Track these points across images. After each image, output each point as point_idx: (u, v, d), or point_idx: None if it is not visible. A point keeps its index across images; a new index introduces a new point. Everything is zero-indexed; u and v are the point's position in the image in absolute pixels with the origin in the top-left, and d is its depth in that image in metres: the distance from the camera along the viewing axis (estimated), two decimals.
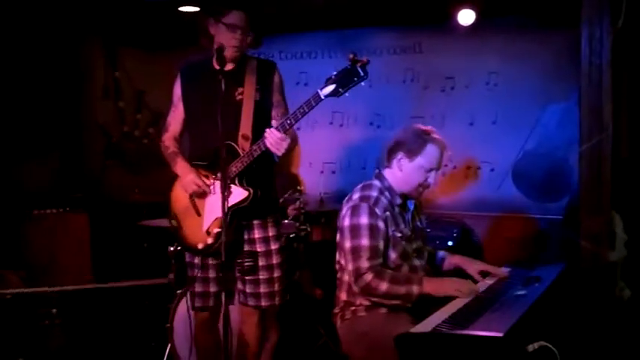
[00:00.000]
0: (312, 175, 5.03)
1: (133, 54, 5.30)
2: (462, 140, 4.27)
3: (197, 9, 4.60)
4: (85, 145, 4.97)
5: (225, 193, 2.54)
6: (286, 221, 4.17)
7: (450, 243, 4.45)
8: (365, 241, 2.61)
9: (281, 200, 4.20)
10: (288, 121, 2.69)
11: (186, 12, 4.70)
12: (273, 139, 2.71)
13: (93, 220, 4.43)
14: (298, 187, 4.27)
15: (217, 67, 2.78)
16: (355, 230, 2.63)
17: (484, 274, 2.86)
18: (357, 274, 2.60)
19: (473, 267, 2.89)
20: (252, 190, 2.83)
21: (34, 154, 4.56)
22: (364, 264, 2.59)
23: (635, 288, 3.08)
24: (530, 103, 4.53)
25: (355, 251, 2.62)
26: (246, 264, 2.97)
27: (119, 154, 5.20)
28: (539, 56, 4.46)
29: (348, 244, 2.65)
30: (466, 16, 4.35)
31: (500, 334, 1.91)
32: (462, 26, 4.42)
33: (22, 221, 4.20)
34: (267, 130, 2.74)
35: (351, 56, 2.56)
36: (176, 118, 3.08)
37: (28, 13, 4.38)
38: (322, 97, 2.60)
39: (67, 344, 4.01)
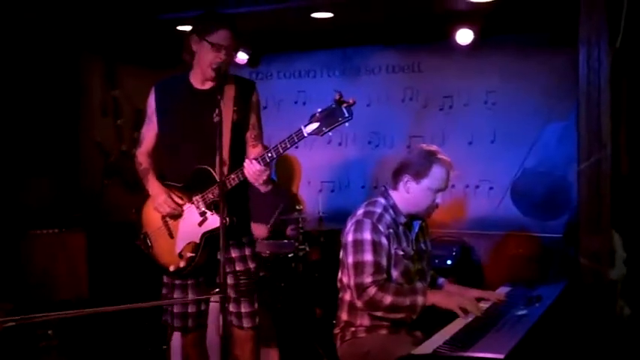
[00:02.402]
0: (311, 194, 5.02)
1: (132, 72, 5.31)
2: (461, 159, 4.23)
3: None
4: (83, 163, 4.95)
5: (203, 221, 2.49)
6: (284, 241, 4.16)
7: (449, 262, 4.44)
8: (368, 257, 2.59)
9: (278, 220, 4.19)
10: (269, 154, 2.64)
11: (185, 31, 4.73)
12: (253, 170, 2.66)
13: (91, 240, 4.40)
14: (297, 207, 4.26)
15: (195, 85, 2.75)
16: (358, 245, 2.62)
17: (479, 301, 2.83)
18: (360, 288, 2.57)
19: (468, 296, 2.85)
20: (228, 219, 2.73)
21: (32, 173, 4.54)
22: (367, 279, 2.57)
23: (635, 306, 3.06)
24: (529, 121, 4.55)
25: (358, 266, 2.60)
26: (244, 282, 2.94)
27: (117, 172, 5.18)
28: (538, 75, 4.49)
29: (350, 260, 2.63)
30: (465, 36, 4.38)
31: (502, 356, 1.89)
32: (461, 45, 4.45)
33: (19, 241, 4.17)
34: (247, 161, 2.69)
35: (337, 96, 2.52)
36: (150, 133, 3.01)
37: (28, 30, 4.39)
38: (305, 135, 2.57)
39: None
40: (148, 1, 4.29)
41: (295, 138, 2.58)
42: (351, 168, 5.12)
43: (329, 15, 4.35)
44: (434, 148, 2.78)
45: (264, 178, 2.70)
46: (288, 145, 2.61)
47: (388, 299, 2.54)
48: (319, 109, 2.55)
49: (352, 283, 2.61)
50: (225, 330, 2.41)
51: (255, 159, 2.66)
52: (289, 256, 4.05)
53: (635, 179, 3.35)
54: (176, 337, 3.44)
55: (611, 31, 2.96)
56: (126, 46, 5.12)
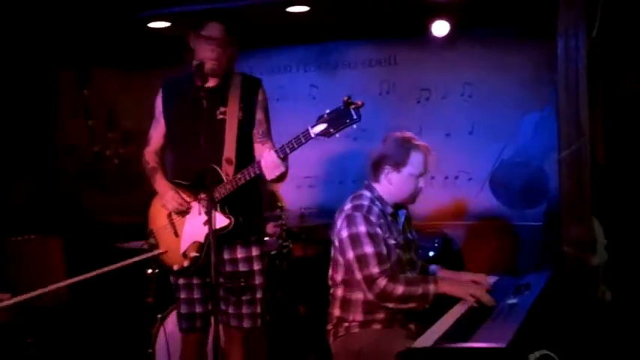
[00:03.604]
0: (291, 191, 4.99)
1: (103, 72, 5.22)
2: (440, 151, 4.25)
3: (167, 24, 4.55)
4: (59, 166, 4.84)
5: (210, 219, 2.48)
6: (268, 239, 4.13)
7: (431, 253, 4.46)
8: (369, 249, 2.58)
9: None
10: (283, 151, 2.61)
11: (157, 29, 4.65)
12: (271, 160, 2.63)
13: (69, 244, 4.31)
14: (279, 204, 4.23)
15: (199, 84, 2.73)
16: (355, 240, 2.60)
17: None
18: (370, 280, 2.56)
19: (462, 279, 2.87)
20: (233, 219, 2.76)
21: (8, 177, 4.43)
22: (375, 269, 2.55)
23: (616, 291, 3.12)
24: (506, 113, 4.59)
25: (361, 260, 2.58)
26: (233, 285, 2.91)
27: (91, 174, 5.08)
28: (514, 67, 4.53)
29: (350, 255, 2.61)
30: (441, 28, 4.39)
31: (503, 345, 1.89)
32: (438, 38, 4.46)
33: None
34: (266, 151, 2.67)
35: (346, 98, 2.50)
36: (157, 132, 3.02)
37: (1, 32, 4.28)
38: (312, 136, 2.54)
39: None
40: (119, 1, 4.21)
41: (302, 139, 2.56)
42: (329, 163, 5.09)
43: (305, 9, 4.32)
44: (407, 134, 2.79)
45: (278, 173, 2.65)
46: (295, 146, 2.59)
47: (400, 289, 2.53)
48: (327, 111, 2.52)
49: (359, 276, 2.58)
50: (216, 330, 2.39)
51: (275, 150, 2.63)
52: (272, 253, 4.01)
53: (612, 168, 3.42)
54: (160, 341, 3.40)
55: (588, 22, 3.00)
56: (98, 47, 5.03)
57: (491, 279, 2.97)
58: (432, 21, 4.35)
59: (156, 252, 2.97)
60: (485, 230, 4.70)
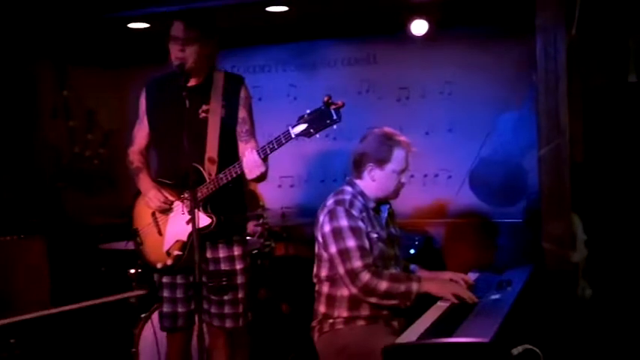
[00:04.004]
0: (272, 190, 4.98)
1: (83, 73, 5.17)
2: (419, 149, 4.29)
3: (147, 25, 4.52)
4: (37, 167, 4.78)
5: (192, 218, 2.48)
6: (249, 238, 4.12)
7: (412, 251, 4.48)
8: (351, 242, 2.58)
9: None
10: (264, 151, 2.63)
11: (136, 29, 4.62)
12: (252, 160, 2.65)
13: (50, 245, 4.26)
14: (260, 203, 4.23)
15: (181, 83, 2.72)
16: (337, 233, 2.61)
17: None
18: (353, 274, 2.56)
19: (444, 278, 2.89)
20: (215, 218, 2.76)
21: None
22: (357, 263, 2.55)
23: (596, 287, 3.16)
24: (485, 111, 4.63)
25: (344, 253, 2.58)
26: (215, 284, 2.91)
27: (70, 175, 5.03)
28: (493, 65, 4.57)
29: (333, 249, 2.61)
30: (419, 27, 4.42)
31: (487, 340, 1.91)
32: (416, 36, 4.49)
33: None
34: (248, 150, 2.68)
35: (326, 98, 2.51)
36: (141, 132, 3.01)
37: None
38: (293, 136, 2.56)
39: None
40: (96, 0, 4.17)
41: (283, 139, 2.57)
42: (309, 162, 5.10)
43: (284, 8, 4.32)
44: (389, 131, 2.80)
45: (258, 172, 2.67)
46: (276, 146, 2.60)
47: (383, 285, 2.53)
48: (308, 111, 2.53)
49: (342, 270, 2.58)
50: (200, 329, 2.39)
51: (257, 150, 2.64)
52: (254, 252, 4.01)
53: (590, 166, 3.46)
54: (144, 341, 3.38)
55: (567, 19, 3.04)
56: (76, 47, 4.98)
57: (473, 275, 3.00)
58: (412, 19, 4.38)
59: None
60: (466, 228, 4.74)
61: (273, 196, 4.85)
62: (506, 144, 4.61)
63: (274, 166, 4.97)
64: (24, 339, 3.78)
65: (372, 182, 2.75)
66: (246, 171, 2.67)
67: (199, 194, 2.71)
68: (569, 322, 2.89)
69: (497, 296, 2.51)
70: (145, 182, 2.93)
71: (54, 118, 4.96)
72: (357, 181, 2.78)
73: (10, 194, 4.59)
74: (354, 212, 2.64)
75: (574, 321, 2.91)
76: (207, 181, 2.74)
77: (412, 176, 4.72)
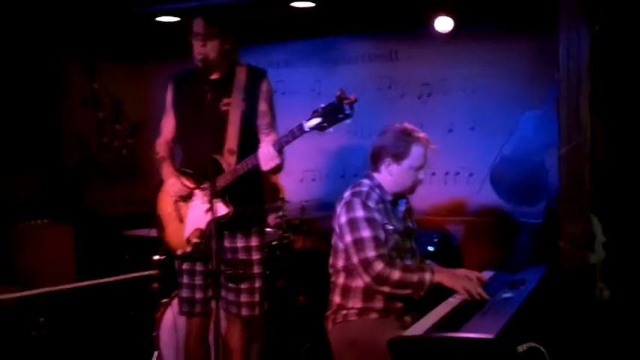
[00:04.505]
0: (293, 184, 5.03)
1: (110, 65, 5.29)
2: (441, 146, 4.32)
3: (175, 19, 4.60)
4: (65, 156, 4.92)
5: (211, 207, 2.55)
6: (269, 229, 4.18)
7: (430, 248, 4.50)
8: (366, 233, 2.62)
9: None
10: (278, 144, 2.70)
11: (164, 23, 4.70)
12: (265, 152, 2.72)
13: (76, 232, 4.39)
14: (280, 196, 4.28)
15: (204, 77, 2.80)
16: (353, 224, 2.65)
17: None
18: (366, 263, 2.59)
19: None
20: (232, 208, 2.84)
21: (17, 166, 4.50)
22: (371, 253, 2.59)
23: (615, 289, 3.15)
24: (507, 109, 4.59)
25: (358, 243, 2.62)
26: (232, 272, 2.98)
27: (98, 164, 5.16)
28: (516, 62, 4.53)
29: (348, 239, 2.65)
30: (444, 23, 4.41)
31: (492, 336, 1.93)
32: (438, 33, 4.48)
33: (7, 234, 4.13)
34: (263, 143, 2.76)
35: (339, 93, 2.56)
36: (167, 124, 3.11)
37: (6, 26, 4.33)
38: (306, 130, 2.61)
39: (55, 354, 3.98)
40: None
41: (297, 132, 2.64)
42: (331, 157, 5.14)
43: (309, 4, 4.35)
44: (408, 126, 2.82)
45: (273, 165, 2.74)
46: (290, 139, 2.67)
47: (396, 275, 2.56)
48: (322, 105, 2.58)
49: (356, 260, 2.62)
50: (217, 315, 2.46)
51: (272, 144, 2.70)
52: (273, 244, 4.07)
53: (610, 166, 3.43)
54: (164, 326, 3.47)
55: (590, 16, 3.02)
56: (104, 40, 5.09)
57: (487, 274, 3.01)
58: (434, 16, 4.37)
59: None
60: (485, 226, 4.73)
61: (295, 189, 4.91)
62: (528, 143, 4.58)
63: (297, 159, 5.09)
64: (52, 319, 3.93)
65: (389, 176, 2.78)
66: (261, 163, 2.74)
67: (218, 184, 2.78)
68: (583, 322, 2.89)
69: (508, 295, 2.51)
70: (166, 171, 3.04)
71: (84, 108, 5.09)
72: (375, 175, 2.82)
73: (40, 181, 4.73)
74: (371, 204, 2.68)
75: (588, 322, 2.90)
76: (226, 171, 2.80)
77: (433, 174, 4.77)
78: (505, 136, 4.63)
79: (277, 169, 2.81)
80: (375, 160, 2.81)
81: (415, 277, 2.58)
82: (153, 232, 3.25)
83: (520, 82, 4.54)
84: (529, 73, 4.49)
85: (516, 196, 4.65)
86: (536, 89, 4.46)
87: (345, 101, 2.55)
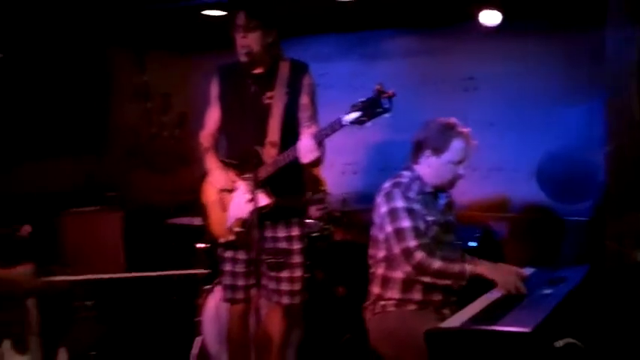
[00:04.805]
0: (334, 176, 5.07)
1: (159, 57, 5.41)
2: (484, 142, 4.30)
3: (222, 13, 4.68)
4: (114, 145, 5.07)
5: (253, 197, 2.61)
6: (310, 221, 4.23)
7: (472, 244, 4.47)
8: (406, 223, 2.65)
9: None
10: (318, 137, 2.74)
11: (211, 16, 4.78)
12: (304, 145, 2.77)
13: (125, 219, 4.52)
14: (322, 188, 4.33)
15: (249, 69, 2.86)
16: (393, 214, 2.68)
17: None
18: (407, 252, 2.62)
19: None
20: (273, 199, 2.90)
21: (68, 153, 4.66)
22: (412, 242, 2.62)
23: None
24: (553, 103, 4.51)
25: (398, 233, 2.65)
26: (273, 261, 3.04)
27: (147, 154, 5.30)
28: (561, 56, 4.45)
29: (389, 229, 2.68)
30: (488, 17, 4.35)
31: (528, 330, 1.94)
32: (481, 27, 4.43)
33: (59, 219, 4.28)
34: (304, 136, 2.80)
35: (378, 87, 2.58)
36: (212, 116, 3.18)
37: (58, 17, 4.47)
38: (345, 123, 2.64)
39: (101, 336, 4.12)
40: None
41: (336, 126, 2.67)
42: (372, 151, 5.15)
43: None
44: (451, 120, 2.82)
45: (312, 157, 2.77)
46: (330, 133, 2.70)
47: (437, 264, 2.59)
48: (361, 99, 2.60)
49: (397, 249, 2.65)
50: (257, 303, 2.52)
51: (312, 137, 2.75)
52: (313, 235, 4.12)
53: None
54: (207, 312, 3.57)
55: (638, 14, 2.96)
56: (153, 32, 5.20)
57: (528, 271, 2.99)
58: (475, 11, 4.32)
59: None
60: (529, 223, 4.67)
61: (336, 182, 4.93)
62: (575, 139, 4.49)
63: (338, 152, 5.13)
64: (100, 302, 4.07)
65: (428, 169, 2.80)
66: (300, 155, 2.78)
67: (260, 175, 2.84)
68: (627, 321, 2.85)
69: (548, 291, 2.50)
70: (211, 162, 3.12)
71: (134, 99, 5.23)
72: (415, 167, 2.84)
73: (90, 169, 4.89)
74: (411, 195, 2.71)
75: (633, 320, 2.86)
76: (267, 163, 2.86)
77: (475, 169, 4.73)
78: (550, 132, 4.56)
79: (317, 161, 2.84)
80: (416, 152, 2.83)
81: (456, 268, 2.59)
82: (196, 221, 3.33)
83: (565, 78, 4.45)
84: (576, 68, 4.39)
85: (562, 194, 4.58)
86: (582, 85, 4.37)
87: (384, 95, 2.57)
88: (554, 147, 4.58)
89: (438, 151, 2.76)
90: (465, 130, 2.81)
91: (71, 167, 4.73)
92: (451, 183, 2.84)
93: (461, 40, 4.72)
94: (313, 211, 4.41)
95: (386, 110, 2.57)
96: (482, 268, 2.61)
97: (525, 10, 4.41)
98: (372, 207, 2.84)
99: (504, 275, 2.59)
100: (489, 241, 4.65)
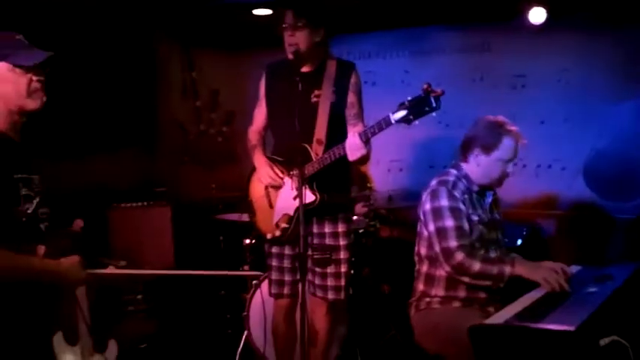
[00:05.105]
0: (380, 173, 5.10)
1: (207, 54, 5.50)
2: (533, 138, 4.27)
3: (270, 11, 4.75)
4: (163, 142, 5.19)
5: (300, 194, 2.66)
6: (356, 217, 4.27)
7: (519, 241, 4.45)
8: (449, 222, 2.67)
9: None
10: (365, 134, 2.77)
11: (260, 15, 4.86)
12: (351, 143, 2.80)
13: (174, 213, 4.63)
14: (368, 185, 4.36)
15: (296, 69, 2.91)
16: (437, 212, 2.70)
17: None
18: (447, 252, 2.65)
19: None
20: (319, 196, 2.95)
21: (118, 150, 4.79)
22: (453, 243, 2.64)
23: None
24: (602, 100, 4.48)
25: (441, 232, 2.68)
26: (320, 256, 3.10)
27: (196, 151, 5.41)
28: (611, 54, 4.40)
29: (432, 227, 2.71)
30: (537, 15, 4.32)
31: (572, 329, 1.94)
32: (531, 24, 4.39)
33: (110, 214, 4.41)
34: (351, 134, 2.84)
35: (425, 86, 2.58)
36: (260, 113, 3.25)
37: (109, 15, 4.59)
38: (392, 122, 2.66)
39: (151, 330, 4.24)
40: None
41: (383, 124, 2.69)
42: (419, 148, 5.16)
43: None
44: (500, 119, 2.82)
45: (359, 155, 2.81)
46: (377, 131, 2.73)
47: (476, 266, 2.60)
48: (409, 98, 2.62)
49: (438, 248, 2.68)
50: (304, 297, 2.58)
51: (359, 134, 2.78)
52: (360, 232, 4.16)
53: None
54: (254, 306, 3.65)
55: None
56: (202, 29, 5.30)
57: (575, 268, 2.97)
58: (527, 7, 4.29)
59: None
60: (576, 221, 4.62)
61: (382, 179, 4.98)
62: (623, 136, 4.43)
63: (385, 150, 5.16)
64: (149, 296, 4.20)
65: (477, 167, 2.80)
66: (347, 153, 2.82)
67: (306, 172, 2.90)
68: None
69: (594, 289, 2.48)
70: (258, 159, 3.18)
71: (184, 97, 5.35)
72: (463, 165, 2.85)
73: (139, 165, 5.02)
74: (456, 194, 2.72)
75: None
76: (314, 160, 2.92)
77: (524, 166, 4.70)
78: (599, 129, 4.51)
79: (364, 159, 2.87)
80: (465, 150, 2.84)
81: (495, 270, 2.60)
82: (243, 217, 3.40)
83: (615, 74, 4.41)
84: (624, 65, 4.35)
85: (610, 191, 4.51)
86: (631, 81, 4.32)
87: (432, 94, 2.58)
88: (602, 144, 4.52)
89: (488, 149, 2.76)
90: (515, 128, 2.80)
91: (122, 163, 4.85)
92: (499, 181, 2.84)
93: (513, 35, 4.71)
94: (359, 207, 4.45)
95: (434, 109, 2.59)
96: (522, 269, 2.61)
97: (575, 4, 4.36)
98: (418, 204, 2.87)
99: (545, 273, 2.58)
100: (536, 239, 4.61)
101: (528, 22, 4.35)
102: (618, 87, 4.41)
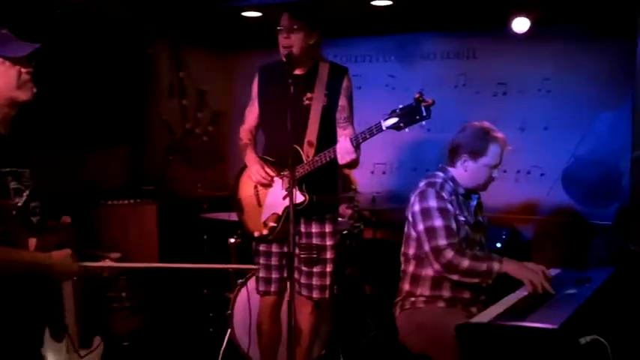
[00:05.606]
0: (363, 175, 5.16)
1: (195, 54, 5.52)
2: (513, 145, 4.38)
3: (259, 14, 4.79)
4: (150, 140, 5.19)
5: (290, 194, 2.70)
6: (340, 219, 4.32)
7: (498, 245, 4.54)
8: (438, 222, 2.73)
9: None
10: (356, 139, 2.83)
11: (249, 17, 4.90)
12: (342, 146, 2.86)
13: (160, 212, 4.64)
14: (352, 187, 4.42)
15: (288, 71, 2.96)
16: (426, 213, 2.77)
17: None
18: (437, 251, 2.71)
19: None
20: (308, 197, 3.00)
21: (105, 148, 4.78)
22: (442, 242, 2.70)
23: None
24: (582, 109, 4.59)
25: (430, 232, 2.74)
26: (306, 255, 3.14)
27: (182, 150, 5.42)
28: (592, 63, 4.51)
29: (421, 227, 2.77)
30: (521, 24, 4.42)
31: (555, 327, 2.01)
32: (516, 33, 4.49)
33: (97, 211, 4.41)
34: (341, 137, 2.90)
35: (417, 95, 2.65)
36: (252, 113, 3.29)
37: (101, 14, 4.59)
38: (383, 129, 2.73)
39: (135, 327, 4.24)
40: None
41: (374, 130, 2.76)
42: (403, 151, 5.23)
43: (388, 2, 4.46)
44: (487, 125, 2.90)
45: (349, 159, 2.88)
46: (368, 136, 2.79)
47: (465, 263, 2.66)
48: (400, 106, 2.69)
49: (428, 247, 2.74)
50: (292, 296, 2.62)
51: (350, 138, 2.84)
52: (344, 233, 4.21)
53: None
54: (239, 305, 3.68)
55: None
56: (191, 30, 5.32)
57: (554, 271, 3.05)
58: (513, 15, 4.39)
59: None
60: (555, 226, 4.72)
61: (366, 181, 5.03)
62: (602, 144, 4.54)
63: (369, 152, 5.17)
64: (134, 294, 4.20)
65: (464, 172, 2.89)
66: (338, 156, 2.89)
67: (297, 173, 2.95)
68: None
69: (573, 291, 2.56)
70: (250, 157, 3.22)
71: (171, 96, 5.35)
72: (450, 169, 2.93)
73: (127, 163, 5.01)
74: (444, 195, 2.80)
75: None
76: (304, 162, 2.97)
77: (504, 172, 4.78)
78: (579, 137, 4.62)
79: (353, 163, 2.94)
80: (453, 155, 2.91)
81: (484, 266, 2.66)
82: (232, 216, 3.42)
83: (596, 84, 4.51)
84: (605, 75, 4.45)
85: (588, 198, 4.62)
86: (612, 91, 4.43)
87: (423, 104, 2.65)
88: (581, 152, 4.63)
89: (476, 155, 2.84)
90: (501, 135, 2.89)
91: (110, 161, 4.85)
92: (485, 186, 2.93)
93: (498, 43, 4.80)
94: (343, 209, 4.51)
95: (424, 118, 2.66)
96: (510, 266, 2.68)
97: (559, 15, 4.47)
98: (404, 206, 2.93)
99: (531, 274, 2.65)
100: (515, 243, 4.70)
101: (513, 30, 4.44)
102: (598, 96, 4.52)
